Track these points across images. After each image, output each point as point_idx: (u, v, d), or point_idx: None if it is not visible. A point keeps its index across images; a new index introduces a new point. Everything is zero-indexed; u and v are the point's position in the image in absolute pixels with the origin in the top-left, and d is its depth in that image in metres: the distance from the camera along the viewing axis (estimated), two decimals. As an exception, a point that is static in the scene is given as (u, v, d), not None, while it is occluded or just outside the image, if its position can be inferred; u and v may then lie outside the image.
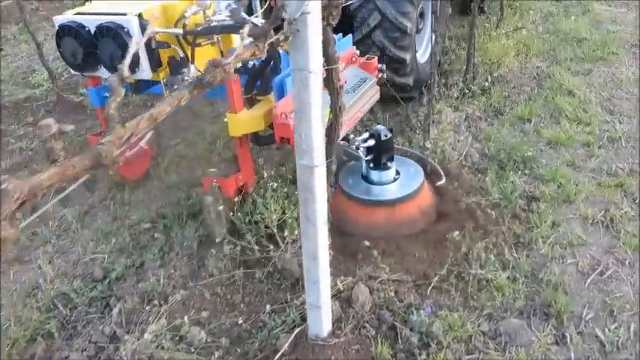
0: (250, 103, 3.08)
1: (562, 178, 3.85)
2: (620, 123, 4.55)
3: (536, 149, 4.25)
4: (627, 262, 3.15)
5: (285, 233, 3.13)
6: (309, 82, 1.98)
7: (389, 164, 3.42)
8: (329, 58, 2.03)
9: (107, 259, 3.43)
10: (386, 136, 3.34)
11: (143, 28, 2.90)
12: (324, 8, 2.01)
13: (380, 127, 3.41)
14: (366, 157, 3.37)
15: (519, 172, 3.96)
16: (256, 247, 3.15)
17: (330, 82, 2.11)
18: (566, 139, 4.34)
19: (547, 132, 4.45)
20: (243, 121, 3.01)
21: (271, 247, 3.13)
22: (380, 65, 3.52)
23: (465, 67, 5.08)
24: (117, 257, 3.42)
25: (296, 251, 3.05)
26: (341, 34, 3.50)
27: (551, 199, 3.68)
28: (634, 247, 3.23)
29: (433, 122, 4.28)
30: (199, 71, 2.88)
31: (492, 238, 3.32)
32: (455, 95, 4.84)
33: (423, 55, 4.98)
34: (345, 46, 3.44)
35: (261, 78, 3.02)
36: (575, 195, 3.68)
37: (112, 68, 3.00)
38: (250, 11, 3.67)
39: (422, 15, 4.77)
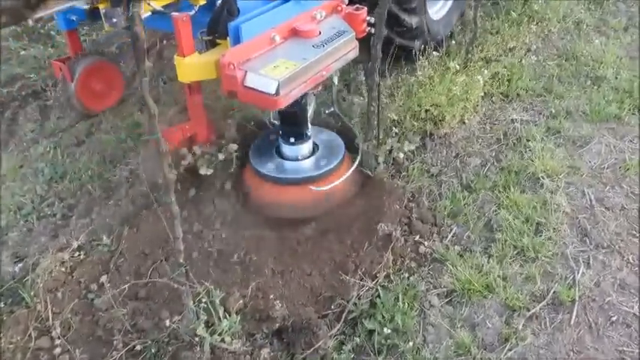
0: (213, 46, 2.77)
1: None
2: (588, 267, 2.69)
3: (421, 304, 2.52)
4: None
5: None
6: None
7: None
8: None
9: None
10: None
11: None
12: None
13: None
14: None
15: None
16: None
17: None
18: (482, 288, 2.57)
19: (456, 266, 2.68)
20: (192, 66, 2.69)
21: None
22: (369, 18, 2.99)
23: (375, 125, 3.24)
24: None
25: None
26: None
27: None
28: None
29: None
30: (149, 5, 2.65)
31: None
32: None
33: (439, 11, 4.43)
34: None
35: (218, 20, 2.72)
36: None
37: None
38: None
39: None
